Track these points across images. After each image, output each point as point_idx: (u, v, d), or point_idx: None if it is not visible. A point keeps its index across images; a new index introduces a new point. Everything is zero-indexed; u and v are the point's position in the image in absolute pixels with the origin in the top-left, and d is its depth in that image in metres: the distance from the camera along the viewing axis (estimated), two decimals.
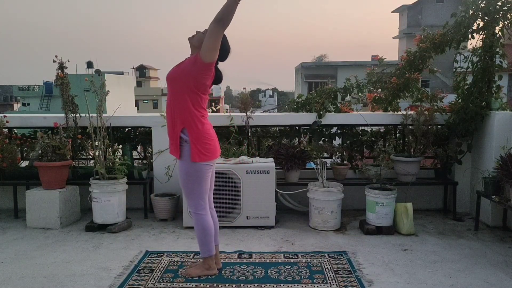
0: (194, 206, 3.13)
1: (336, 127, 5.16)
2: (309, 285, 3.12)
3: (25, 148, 5.10)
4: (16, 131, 5.25)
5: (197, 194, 3.09)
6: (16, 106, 46.10)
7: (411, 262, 3.54)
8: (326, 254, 3.68)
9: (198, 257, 3.60)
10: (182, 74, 2.99)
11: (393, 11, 39.29)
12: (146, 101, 54.71)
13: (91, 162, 5.02)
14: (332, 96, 5.17)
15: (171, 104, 3.07)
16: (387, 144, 5.17)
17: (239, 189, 4.27)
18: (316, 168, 4.60)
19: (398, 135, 5.23)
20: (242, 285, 3.11)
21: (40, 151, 4.74)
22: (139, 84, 56.42)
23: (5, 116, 4.94)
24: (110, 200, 4.27)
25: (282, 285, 3.11)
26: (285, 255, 3.67)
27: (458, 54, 4.81)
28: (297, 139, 5.19)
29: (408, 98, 5.26)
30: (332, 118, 5.01)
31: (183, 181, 3.11)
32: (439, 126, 4.90)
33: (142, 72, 62.27)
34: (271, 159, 4.57)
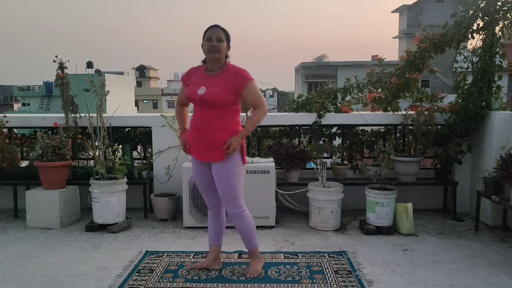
0: (240, 205, 3.13)
1: (336, 127, 5.16)
2: (309, 285, 3.12)
3: (25, 148, 5.10)
4: (16, 131, 5.25)
5: (241, 193, 3.14)
6: (16, 106, 46.12)
7: (411, 262, 3.54)
8: (326, 254, 3.68)
9: (198, 257, 3.61)
10: (225, 94, 2.99)
11: (393, 11, 39.28)
12: (146, 101, 54.73)
13: (91, 162, 5.03)
14: (332, 96, 5.17)
15: (212, 117, 3.02)
16: (387, 144, 5.17)
17: None
18: (316, 168, 4.60)
19: (398, 135, 5.23)
20: (242, 285, 3.11)
21: (40, 151, 4.74)
22: (139, 84, 56.48)
23: (5, 116, 4.94)
24: (110, 200, 4.27)
25: (282, 285, 3.11)
26: (285, 255, 3.67)
27: (458, 54, 4.81)
28: (297, 139, 5.19)
29: (408, 98, 5.26)
30: (332, 118, 5.01)
31: (233, 185, 3.07)
32: (439, 126, 4.90)
33: (142, 72, 62.31)
34: (271, 159, 4.57)
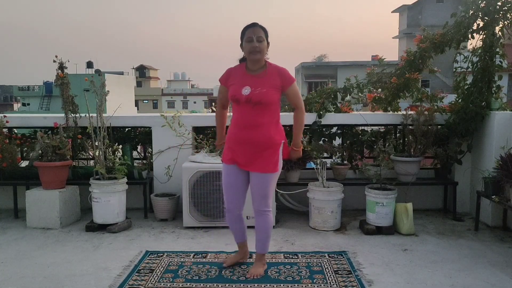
0: (269, 205, 3.22)
1: (336, 127, 5.16)
2: (309, 285, 3.12)
3: (25, 148, 5.10)
4: (16, 131, 5.25)
5: (272, 194, 3.30)
6: (16, 106, 46.13)
7: (411, 262, 3.54)
8: (326, 254, 3.68)
9: (198, 257, 3.61)
10: (272, 93, 3.07)
11: (393, 11, 39.26)
12: (146, 101, 54.76)
13: (91, 162, 5.03)
14: (332, 96, 5.17)
15: (259, 115, 3.06)
16: (387, 144, 5.16)
17: None
18: (316, 168, 4.60)
19: (398, 135, 5.23)
20: (242, 285, 3.11)
21: (40, 151, 4.74)
22: (139, 84, 56.51)
23: (5, 116, 4.94)
24: (110, 200, 4.27)
25: (282, 285, 3.11)
26: (285, 255, 3.67)
27: (458, 54, 4.81)
28: None
29: (408, 98, 5.25)
30: (332, 118, 5.01)
31: (270, 187, 3.18)
32: (439, 126, 4.89)
33: (142, 72, 62.34)
34: None
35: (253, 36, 2.99)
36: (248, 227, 4.32)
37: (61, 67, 4.85)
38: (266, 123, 3.06)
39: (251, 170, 3.13)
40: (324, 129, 5.12)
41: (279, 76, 3.09)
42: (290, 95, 3.16)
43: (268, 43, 3.08)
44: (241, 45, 3.08)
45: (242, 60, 3.18)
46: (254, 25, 3.03)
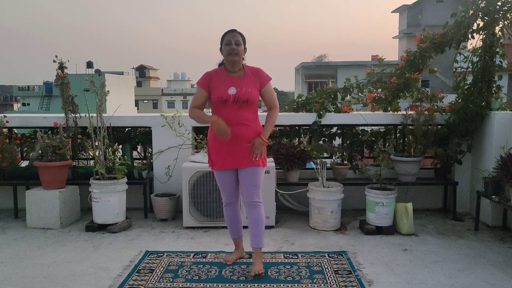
0: (260, 196, 3.31)
1: (336, 127, 5.16)
2: (309, 285, 3.12)
3: (25, 148, 5.10)
4: (16, 131, 5.25)
5: (261, 186, 3.35)
6: (16, 106, 46.14)
7: (411, 262, 3.54)
8: (326, 254, 3.68)
9: (198, 257, 3.61)
10: (255, 92, 3.24)
11: (393, 11, 39.26)
12: (146, 101, 54.77)
13: (91, 162, 5.03)
14: (332, 96, 5.17)
15: (245, 113, 3.21)
16: (387, 144, 5.17)
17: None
18: (316, 168, 4.60)
19: (398, 135, 5.23)
20: (242, 285, 3.11)
21: (40, 151, 4.74)
22: (139, 84, 56.50)
23: (5, 116, 4.94)
24: (110, 200, 4.27)
25: (282, 285, 3.11)
26: (285, 255, 3.67)
27: (458, 54, 4.81)
28: (297, 139, 5.18)
29: (408, 98, 5.26)
30: (332, 118, 5.01)
31: (259, 179, 3.30)
32: (439, 126, 4.89)
33: (142, 72, 62.33)
34: (271, 159, 4.57)
35: (232, 40, 3.20)
36: (247, 227, 4.35)
37: (61, 67, 4.85)
38: (253, 120, 3.25)
39: (241, 166, 3.23)
40: (324, 129, 5.12)
41: (257, 75, 3.28)
42: (267, 92, 3.29)
43: (245, 49, 3.27)
44: (220, 48, 3.26)
45: (220, 64, 3.35)
46: (233, 31, 3.25)
